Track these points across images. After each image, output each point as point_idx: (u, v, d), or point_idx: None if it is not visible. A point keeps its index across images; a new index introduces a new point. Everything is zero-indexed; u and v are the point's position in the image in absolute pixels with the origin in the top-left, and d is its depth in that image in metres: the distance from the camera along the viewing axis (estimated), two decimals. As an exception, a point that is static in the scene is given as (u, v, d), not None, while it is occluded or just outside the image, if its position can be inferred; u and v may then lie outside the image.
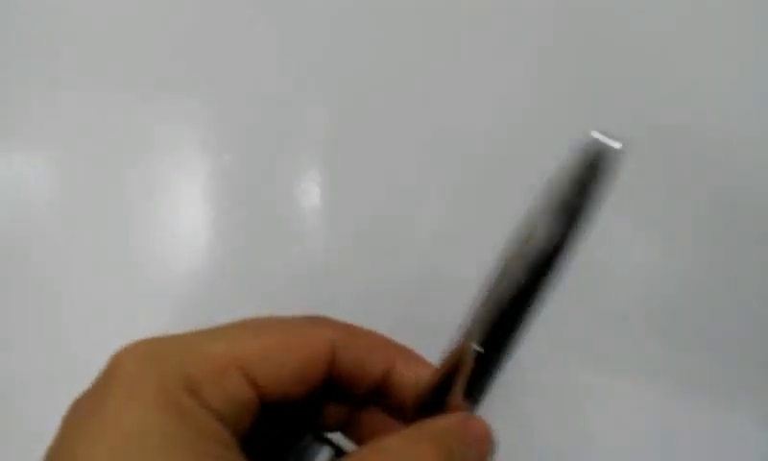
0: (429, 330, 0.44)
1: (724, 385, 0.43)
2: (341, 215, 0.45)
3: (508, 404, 0.42)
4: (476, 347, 0.21)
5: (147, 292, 0.41)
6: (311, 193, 0.45)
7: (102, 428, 0.16)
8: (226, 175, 0.44)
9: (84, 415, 0.17)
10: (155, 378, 0.17)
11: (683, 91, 0.47)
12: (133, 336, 0.21)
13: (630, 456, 0.42)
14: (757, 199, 0.45)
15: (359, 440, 0.24)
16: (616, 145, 0.19)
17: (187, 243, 0.44)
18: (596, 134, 0.20)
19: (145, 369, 0.17)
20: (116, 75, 0.45)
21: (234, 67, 0.46)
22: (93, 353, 0.21)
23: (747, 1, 0.48)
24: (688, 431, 0.42)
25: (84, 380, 0.21)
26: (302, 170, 0.45)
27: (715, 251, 0.45)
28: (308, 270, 0.42)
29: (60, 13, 0.46)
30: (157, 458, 0.15)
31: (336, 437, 0.24)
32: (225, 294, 0.41)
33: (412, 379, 0.23)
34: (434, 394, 0.22)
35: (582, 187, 0.19)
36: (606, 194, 0.21)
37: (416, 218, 0.45)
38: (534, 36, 0.48)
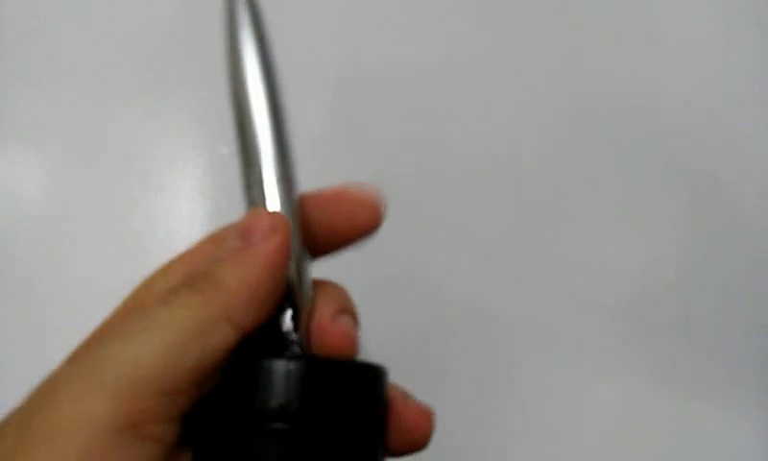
0: (425, 331, 0.44)
1: (719, 383, 0.43)
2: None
3: (497, 398, 0.42)
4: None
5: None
6: (309, 186, 0.45)
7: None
8: (223, 168, 0.44)
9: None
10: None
11: (669, 93, 0.47)
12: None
13: (625, 455, 0.42)
14: (748, 196, 0.46)
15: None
16: None
17: (184, 237, 0.44)
18: None
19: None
20: (114, 71, 0.45)
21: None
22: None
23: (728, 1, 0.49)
24: (684, 429, 0.42)
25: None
26: (300, 163, 0.45)
27: (707, 249, 0.45)
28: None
29: (60, 15, 0.46)
30: None
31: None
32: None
33: None
34: None
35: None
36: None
37: (415, 216, 0.45)
38: (523, 32, 0.48)
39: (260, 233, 0.21)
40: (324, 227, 0.24)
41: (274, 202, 0.22)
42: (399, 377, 0.44)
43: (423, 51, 0.47)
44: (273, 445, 0.19)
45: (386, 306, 0.43)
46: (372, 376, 0.22)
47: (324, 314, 0.23)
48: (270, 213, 0.22)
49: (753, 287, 0.44)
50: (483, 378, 0.43)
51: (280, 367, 0.19)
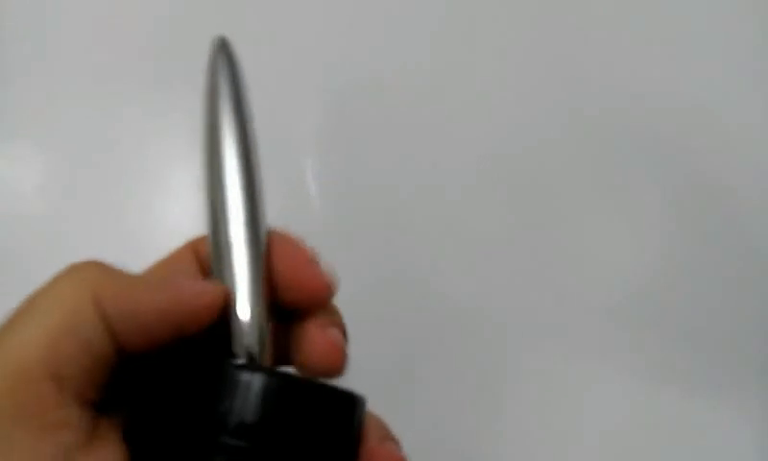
0: (420, 327, 0.44)
1: (719, 383, 0.43)
2: (336, 207, 0.45)
3: (495, 398, 0.42)
4: None
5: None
6: (305, 183, 0.45)
7: None
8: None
9: None
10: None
11: (669, 93, 0.48)
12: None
13: (625, 455, 0.42)
14: (749, 196, 0.46)
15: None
16: None
17: (184, 236, 0.44)
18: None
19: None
20: (113, 70, 0.45)
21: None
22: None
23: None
24: (684, 429, 0.42)
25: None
26: (297, 160, 0.45)
27: (708, 249, 0.45)
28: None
29: (60, 14, 0.46)
30: None
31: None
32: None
33: None
34: None
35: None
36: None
37: (414, 217, 0.45)
38: (519, 32, 0.48)
39: (189, 287, 0.21)
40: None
41: (241, 284, 0.22)
42: (399, 378, 0.45)
43: (423, 51, 0.47)
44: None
45: (386, 307, 0.43)
46: (342, 405, 0.20)
47: (312, 326, 0.22)
48: (213, 288, 0.22)
49: (753, 287, 0.44)
50: (481, 378, 0.43)
51: (239, 378, 0.18)
